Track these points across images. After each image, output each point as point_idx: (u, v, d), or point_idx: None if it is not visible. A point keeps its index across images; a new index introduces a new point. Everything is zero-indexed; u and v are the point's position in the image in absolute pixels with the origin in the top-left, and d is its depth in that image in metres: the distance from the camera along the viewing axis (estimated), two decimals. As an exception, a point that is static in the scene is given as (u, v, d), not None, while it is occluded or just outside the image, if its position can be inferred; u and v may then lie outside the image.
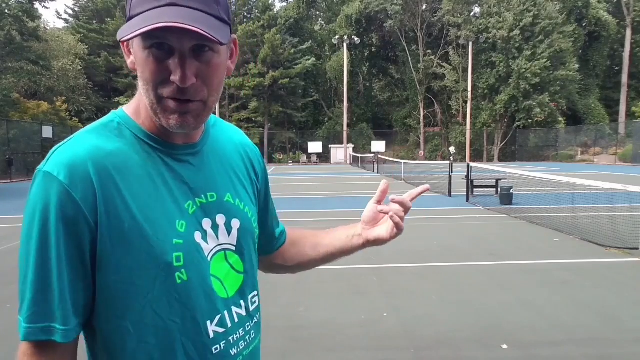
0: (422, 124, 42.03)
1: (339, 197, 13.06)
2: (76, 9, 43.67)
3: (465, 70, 38.42)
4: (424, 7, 41.04)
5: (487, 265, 5.42)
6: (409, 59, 41.08)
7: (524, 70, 33.90)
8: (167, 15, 0.67)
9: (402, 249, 6.28)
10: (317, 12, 52.29)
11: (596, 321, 3.72)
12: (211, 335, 0.80)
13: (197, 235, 0.79)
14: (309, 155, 39.77)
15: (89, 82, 36.20)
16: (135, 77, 0.82)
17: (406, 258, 5.79)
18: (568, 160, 35.36)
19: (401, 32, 41.08)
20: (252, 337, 0.89)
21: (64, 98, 30.27)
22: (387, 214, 0.97)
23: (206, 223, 0.81)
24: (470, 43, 36.66)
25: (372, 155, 29.49)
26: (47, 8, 69.17)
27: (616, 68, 42.20)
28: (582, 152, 36.24)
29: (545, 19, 34.34)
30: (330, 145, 40.81)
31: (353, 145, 39.98)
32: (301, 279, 4.93)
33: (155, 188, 0.77)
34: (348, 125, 40.82)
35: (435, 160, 36.32)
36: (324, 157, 41.02)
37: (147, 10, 0.69)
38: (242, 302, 0.86)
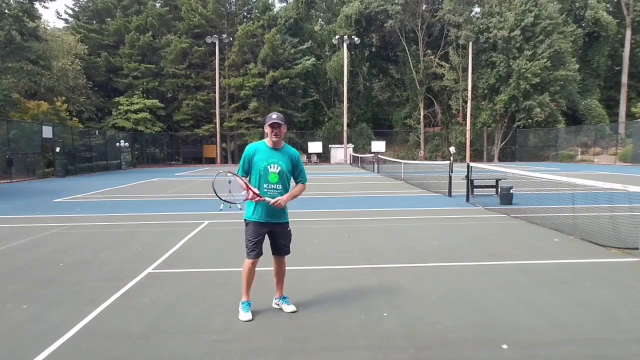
0: (422, 124, 42.03)
1: (339, 197, 13.07)
2: (76, 9, 43.60)
3: (465, 70, 38.42)
4: (424, 7, 41.04)
5: (487, 265, 5.42)
6: (409, 59, 41.08)
7: (524, 70, 33.89)
8: (272, 118, 3.89)
9: (402, 249, 6.28)
10: (317, 12, 52.32)
11: (596, 321, 3.72)
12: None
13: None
14: (309, 155, 39.77)
15: (89, 82, 36.19)
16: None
17: (406, 258, 5.80)
18: (568, 160, 35.36)
19: (401, 32, 41.07)
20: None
21: (64, 98, 30.29)
22: None
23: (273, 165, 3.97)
24: (471, 43, 36.66)
25: (372, 155, 29.50)
26: (47, 8, 69.23)
27: (616, 68, 42.21)
28: (582, 152, 36.24)
29: (546, 19, 34.35)
30: (330, 145, 40.81)
31: (353, 145, 39.99)
32: (301, 278, 4.94)
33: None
34: (348, 125, 40.82)
35: (435, 160, 36.35)
36: (324, 157, 41.03)
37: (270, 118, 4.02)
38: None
